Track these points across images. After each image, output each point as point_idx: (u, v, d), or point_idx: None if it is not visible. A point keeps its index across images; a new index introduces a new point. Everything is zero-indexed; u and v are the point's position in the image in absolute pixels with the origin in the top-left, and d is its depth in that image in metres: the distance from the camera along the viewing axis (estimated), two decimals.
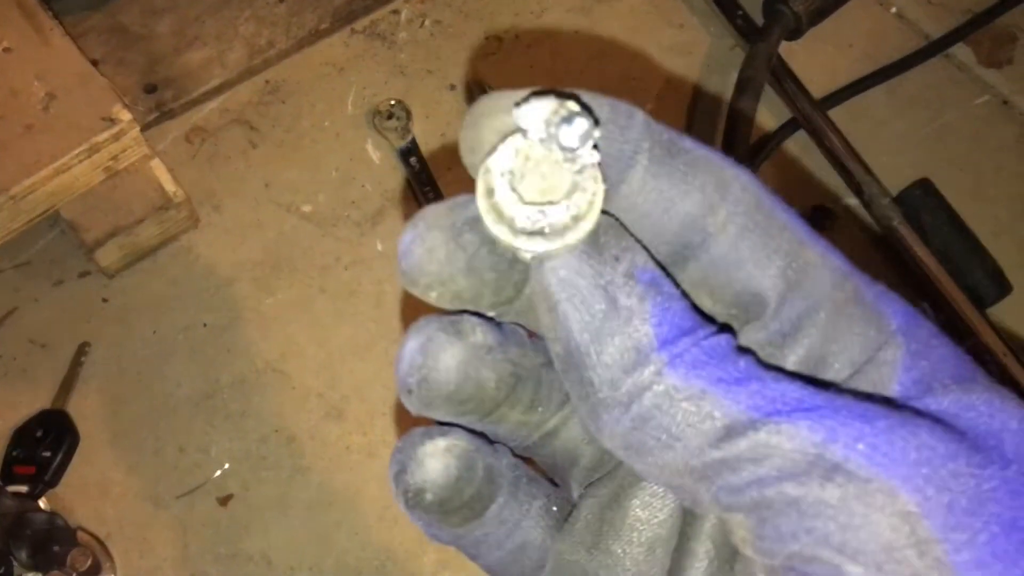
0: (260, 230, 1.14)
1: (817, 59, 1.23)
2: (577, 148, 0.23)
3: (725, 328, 0.24)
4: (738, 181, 0.25)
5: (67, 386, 1.04)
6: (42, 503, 0.98)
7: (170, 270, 1.12)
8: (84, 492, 1.01)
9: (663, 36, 1.27)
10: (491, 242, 0.26)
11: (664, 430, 0.23)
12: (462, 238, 0.26)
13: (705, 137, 1.19)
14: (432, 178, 1.16)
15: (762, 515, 0.22)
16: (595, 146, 0.24)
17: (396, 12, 1.28)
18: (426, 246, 0.26)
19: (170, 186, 1.10)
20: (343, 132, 1.20)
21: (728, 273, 0.25)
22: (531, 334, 0.29)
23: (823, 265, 0.25)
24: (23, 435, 1.00)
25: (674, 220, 0.25)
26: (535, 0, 1.30)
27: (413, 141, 1.18)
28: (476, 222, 0.26)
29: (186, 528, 1.00)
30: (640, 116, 0.25)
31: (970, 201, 1.13)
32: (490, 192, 0.25)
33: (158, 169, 1.10)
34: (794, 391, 0.23)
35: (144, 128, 1.10)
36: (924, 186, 1.12)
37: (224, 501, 1.01)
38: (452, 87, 1.23)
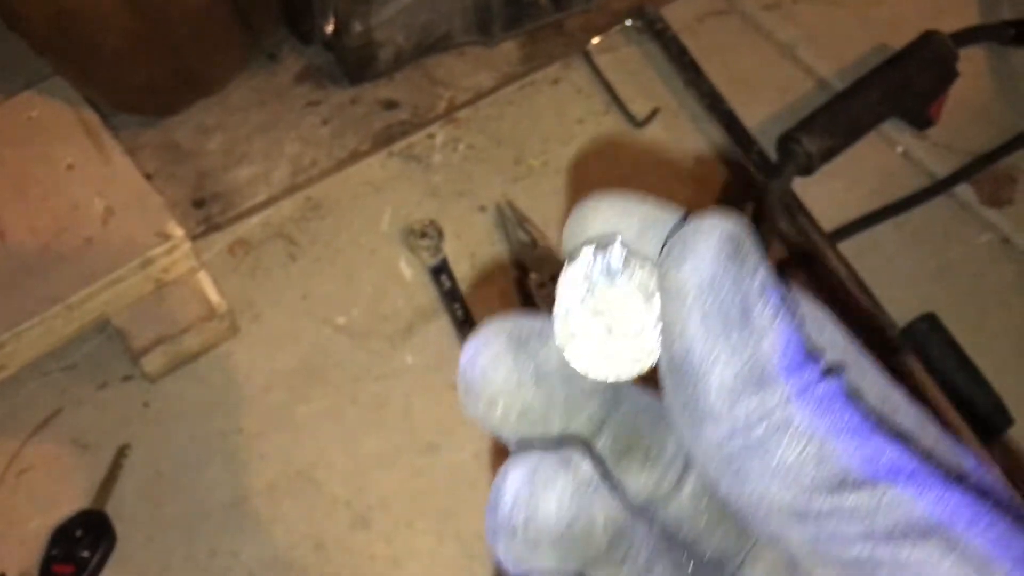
0: (296, 341, 1.20)
1: (828, 194, 1.30)
2: (621, 272, 0.25)
3: (835, 369, 0.25)
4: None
5: (106, 487, 1.09)
6: None
7: (209, 377, 1.17)
8: None
9: (683, 167, 1.34)
10: (561, 356, 0.26)
11: (776, 461, 0.23)
12: (530, 345, 0.26)
13: None
14: (461, 296, 1.22)
15: (864, 571, 0.22)
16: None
17: (432, 136, 1.36)
18: (492, 352, 0.25)
19: (215, 297, 1.16)
20: (378, 249, 1.27)
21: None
22: None
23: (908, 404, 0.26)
24: (63, 535, 1.04)
25: None
26: (564, 128, 1.38)
27: (444, 260, 1.25)
28: (544, 333, 0.26)
29: None
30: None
31: (973, 335, 1.18)
32: (566, 314, 0.25)
33: (204, 281, 1.16)
34: (911, 461, 0.23)
35: (191, 240, 1.16)
36: (930, 320, 1.18)
37: None
38: (482, 209, 1.30)
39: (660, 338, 0.25)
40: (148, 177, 1.23)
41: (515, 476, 0.24)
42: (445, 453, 1.13)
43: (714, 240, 0.23)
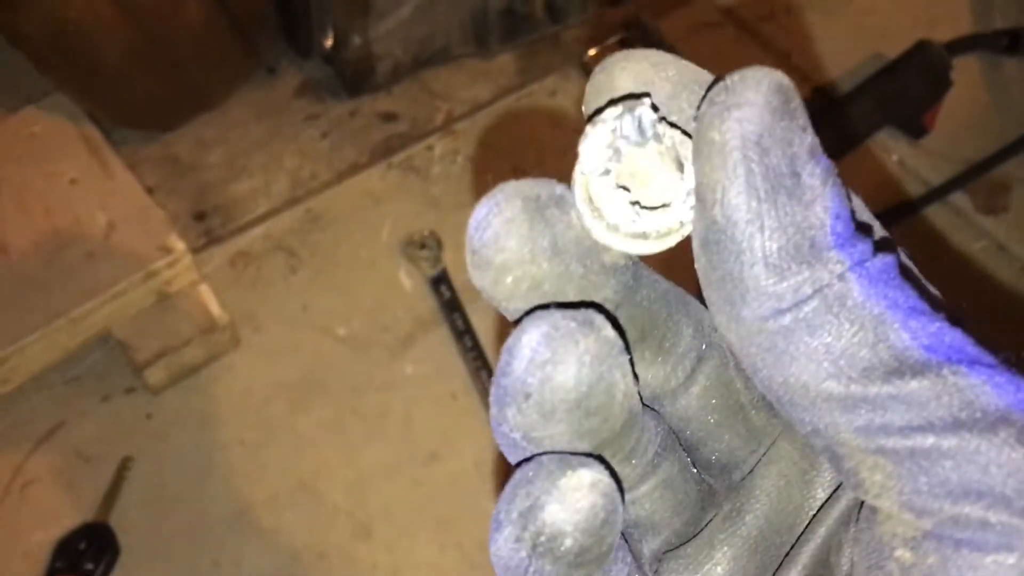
0: (297, 352, 1.21)
1: None
2: (650, 135, 0.22)
3: (888, 245, 0.22)
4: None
5: (110, 499, 1.09)
6: None
7: (211, 389, 1.18)
8: None
9: None
10: (581, 228, 0.23)
11: (827, 342, 0.20)
12: (548, 212, 0.23)
13: None
14: (461, 306, 1.23)
15: (922, 464, 0.20)
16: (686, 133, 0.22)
17: (430, 148, 1.37)
18: (505, 216, 0.23)
19: (216, 310, 1.17)
20: (378, 260, 1.28)
21: None
22: None
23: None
24: (66, 547, 1.05)
25: None
26: (561, 139, 1.39)
27: (444, 270, 1.26)
28: (563, 201, 0.23)
29: None
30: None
31: None
32: (588, 185, 0.23)
33: (205, 293, 1.17)
34: (974, 347, 0.20)
35: (192, 253, 1.17)
36: None
37: None
38: None
39: (692, 210, 0.22)
40: (149, 191, 1.24)
41: (532, 335, 0.22)
42: (446, 462, 1.14)
43: (763, 90, 0.20)
